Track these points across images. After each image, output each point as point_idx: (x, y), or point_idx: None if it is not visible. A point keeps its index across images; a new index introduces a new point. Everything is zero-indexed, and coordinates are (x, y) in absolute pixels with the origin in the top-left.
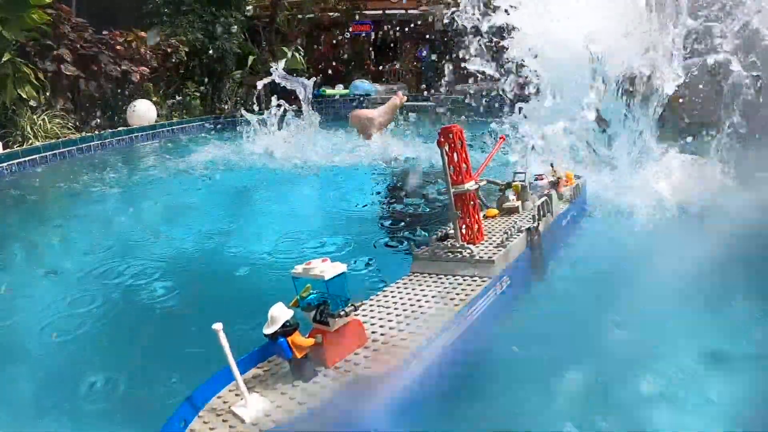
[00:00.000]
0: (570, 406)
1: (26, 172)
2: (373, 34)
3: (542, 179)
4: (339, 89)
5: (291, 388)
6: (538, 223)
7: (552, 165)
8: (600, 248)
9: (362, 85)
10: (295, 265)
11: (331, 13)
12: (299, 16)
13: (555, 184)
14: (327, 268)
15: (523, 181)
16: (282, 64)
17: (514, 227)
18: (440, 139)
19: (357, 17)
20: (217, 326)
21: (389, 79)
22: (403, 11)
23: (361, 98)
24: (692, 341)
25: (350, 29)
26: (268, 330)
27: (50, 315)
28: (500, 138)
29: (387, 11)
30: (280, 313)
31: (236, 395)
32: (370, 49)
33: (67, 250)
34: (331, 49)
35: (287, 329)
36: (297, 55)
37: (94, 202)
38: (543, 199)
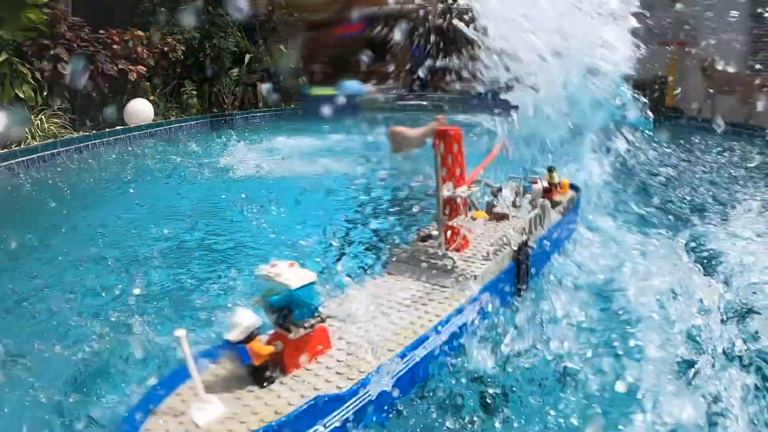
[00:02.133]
0: None
1: (24, 171)
2: (365, 32)
3: (536, 183)
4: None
5: (246, 394)
6: (529, 237)
7: (551, 170)
8: (588, 266)
9: (351, 85)
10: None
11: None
12: (295, 14)
13: (548, 191)
14: (293, 276)
15: (518, 186)
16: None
17: (502, 239)
18: (436, 141)
19: (349, 16)
20: (180, 333)
21: (380, 79)
22: (396, 8)
23: (350, 98)
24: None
25: (341, 28)
26: (230, 337)
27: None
28: (500, 141)
29: (380, 9)
30: (243, 320)
31: (195, 394)
32: (362, 47)
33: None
34: (320, 48)
35: (249, 336)
36: (293, 53)
37: (95, 201)
38: (536, 210)
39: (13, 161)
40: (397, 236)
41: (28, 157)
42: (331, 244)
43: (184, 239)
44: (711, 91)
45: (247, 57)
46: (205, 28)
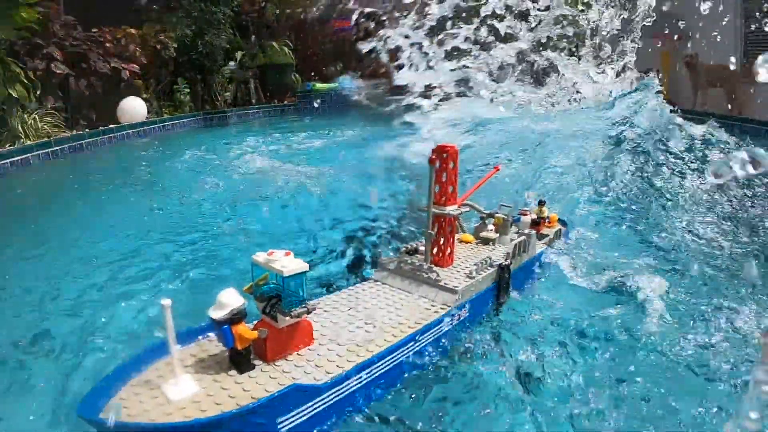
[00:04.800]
0: None
1: (20, 171)
2: (355, 29)
3: (525, 215)
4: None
5: (225, 377)
6: (511, 261)
7: (541, 203)
8: (565, 295)
9: (348, 80)
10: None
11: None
12: (287, 11)
13: (536, 223)
14: (288, 264)
15: (507, 215)
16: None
17: (486, 261)
18: (432, 157)
19: (338, 13)
20: (166, 302)
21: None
22: (386, 5)
23: (348, 92)
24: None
25: (333, 26)
26: (214, 314)
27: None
28: (494, 168)
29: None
30: (230, 300)
31: (171, 370)
32: (353, 44)
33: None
34: (315, 44)
35: (234, 317)
36: (286, 49)
37: (91, 200)
38: (522, 238)
39: (8, 161)
40: (385, 247)
41: (23, 156)
42: (315, 248)
43: (172, 240)
44: (696, 84)
45: (239, 54)
46: (197, 26)
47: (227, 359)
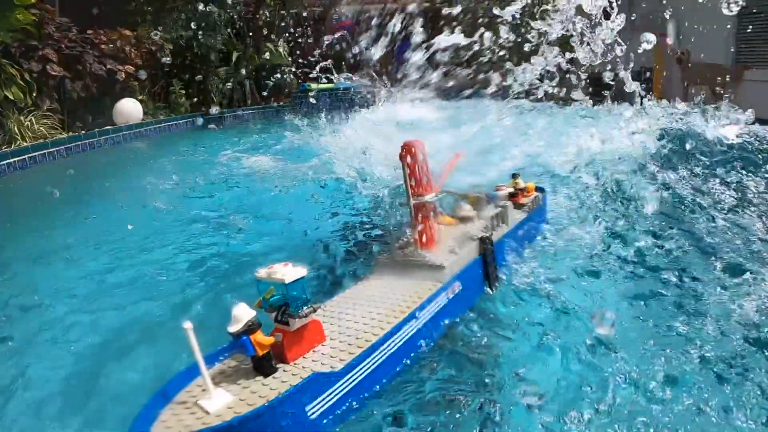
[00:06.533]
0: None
1: (17, 173)
2: (354, 29)
3: (501, 190)
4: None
5: (253, 383)
6: (491, 233)
7: (515, 176)
8: (551, 259)
9: (347, 80)
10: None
11: (314, 8)
12: (282, 12)
13: (514, 195)
14: (288, 272)
15: (479, 192)
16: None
17: (465, 235)
18: (402, 153)
19: (337, 12)
20: (188, 325)
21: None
22: (382, 5)
23: (346, 92)
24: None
25: (333, 27)
26: (232, 329)
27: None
28: (456, 154)
29: (367, 5)
30: (243, 313)
31: (203, 390)
32: (352, 44)
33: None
34: (314, 44)
35: (250, 328)
36: (281, 50)
37: (87, 202)
38: (498, 209)
39: (4, 162)
40: (378, 244)
41: (19, 158)
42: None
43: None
44: (686, 80)
45: (235, 54)
46: (191, 27)
47: (252, 368)
